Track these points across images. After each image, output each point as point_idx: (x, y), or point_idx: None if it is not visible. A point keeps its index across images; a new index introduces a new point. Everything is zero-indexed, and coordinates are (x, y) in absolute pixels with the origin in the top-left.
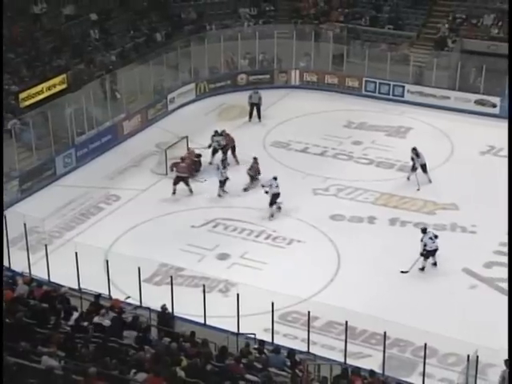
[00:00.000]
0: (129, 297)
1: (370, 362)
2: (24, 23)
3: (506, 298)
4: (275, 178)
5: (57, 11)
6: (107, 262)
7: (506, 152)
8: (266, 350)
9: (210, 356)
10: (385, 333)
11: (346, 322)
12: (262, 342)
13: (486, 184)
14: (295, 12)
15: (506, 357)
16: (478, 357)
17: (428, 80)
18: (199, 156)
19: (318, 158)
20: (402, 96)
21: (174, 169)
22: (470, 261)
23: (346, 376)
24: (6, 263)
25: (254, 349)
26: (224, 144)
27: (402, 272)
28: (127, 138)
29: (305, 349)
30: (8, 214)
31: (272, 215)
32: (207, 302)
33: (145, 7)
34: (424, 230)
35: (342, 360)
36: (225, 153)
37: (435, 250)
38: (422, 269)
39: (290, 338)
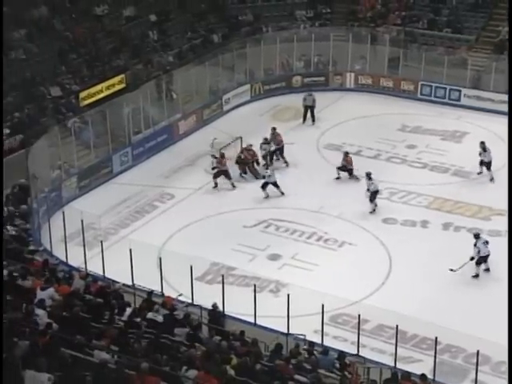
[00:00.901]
0: (181, 294)
1: (421, 367)
2: (87, 24)
3: None
4: (369, 175)
5: (118, 12)
6: (160, 259)
7: None
8: (315, 352)
9: (259, 355)
10: (436, 338)
11: (397, 326)
12: (311, 343)
13: None
14: (351, 14)
15: None
16: None
17: (486, 84)
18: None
19: (372, 161)
20: (459, 100)
21: (214, 161)
22: None
23: (395, 380)
24: (63, 258)
25: (304, 350)
26: (273, 149)
27: (451, 270)
28: (182, 137)
29: (354, 351)
30: (66, 209)
31: (374, 210)
32: (257, 301)
33: (203, 9)
34: (477, 236)
35: (392, 364)
36: (273, 154)
37: (488, 256)
38: (476, 276)
39: (339, 340)
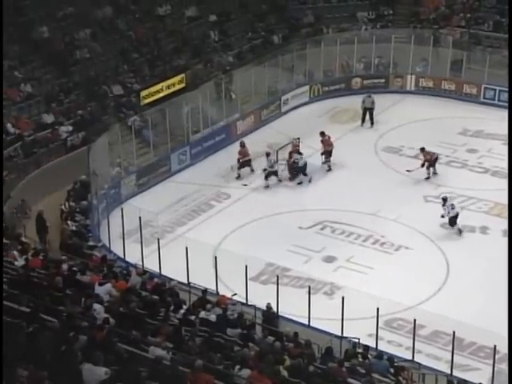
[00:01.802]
0: (235, 294)
1: (478, 375)
2: (149, 24)
3: None
4: (445, 200)
5: (180, 13)
6: (216, 258)
7: None
8: (369, 356)
9: (313, 357)
10: (495, 346)
11: (454, 333)
12: (366, 347)
13: None
14: (414, 16)
15: None
16: None
17: None
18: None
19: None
20: None
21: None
22: None
23: None
24: (120, 254)
25: (358, 353)
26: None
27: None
28: (240, 137)
29: (409, 357)
30: (125, 207)
31: (460, 231)
32: (312, 303)
33: (263, 10)
34: (445, 199)
35: (448, 371)
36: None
37: (457, 215)
38: (460, 231)
39: (394, 345)
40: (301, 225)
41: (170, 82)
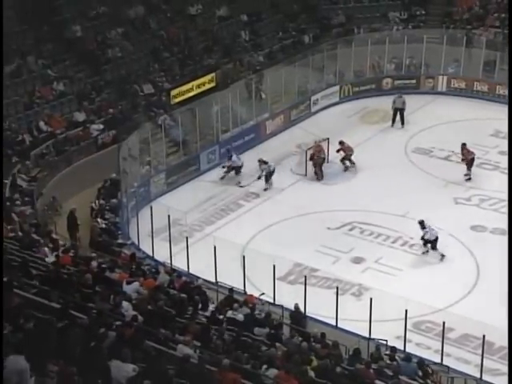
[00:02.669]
0: (263, 293)
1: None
2: (180, 24)
3: None
4: (422, 223)
5: (211, 12)
6: (244, 257)
7: None
8: (397, 358)
9: (340, 358)
10: None
11: (484, 336)
12: (393, 349)
13: None
14: (447, 16)
15: None
16: None
17: None
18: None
19: (462, 166)
20: None
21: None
22: None
23: None
24: (149, 252)
25: (386, 355)
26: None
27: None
28: (269, 137)
29: (438, 360)
30: (154, 205)
31: (442, 256)
32: (339, 304)
33: (294, 9)
34: (422, 223)
35: (478, 375)
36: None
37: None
38: (443, 256)
39: (422, 348)
40: (329, 225)
41: (200, 81)
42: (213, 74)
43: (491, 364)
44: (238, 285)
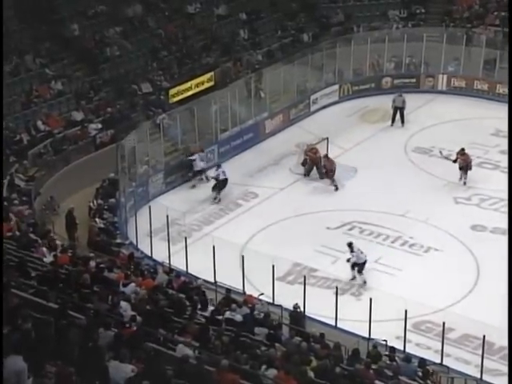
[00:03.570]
0: (262, 294)
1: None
2: (178, 22)
3: None
4: (351, 245)
5: (209, 11)
6: (243, 257)
7: None
8: (396, 358)
9: (339, 359)
10: None
11: (484, 337)
12: (393, 349)
13: None
14: (447, 15)
15: None
16: None
17: None
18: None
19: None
20: None
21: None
22: None
23: None
24: (148, 252)
25: (385, 355)
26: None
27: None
28: (268, 136)
29: (438, 360)
30: (152, 205)
31: (365, 282)
32: (339, 304)
33: (293, 8)
34: (350, 245)
35: (478, 376)
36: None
37: (365, 262)
38: (364, 282)
39: (422, 348)
40: (329, 225)
41: (198, 80)
42: (211, 73)
43: (491, 364)
44: (237, 285)
